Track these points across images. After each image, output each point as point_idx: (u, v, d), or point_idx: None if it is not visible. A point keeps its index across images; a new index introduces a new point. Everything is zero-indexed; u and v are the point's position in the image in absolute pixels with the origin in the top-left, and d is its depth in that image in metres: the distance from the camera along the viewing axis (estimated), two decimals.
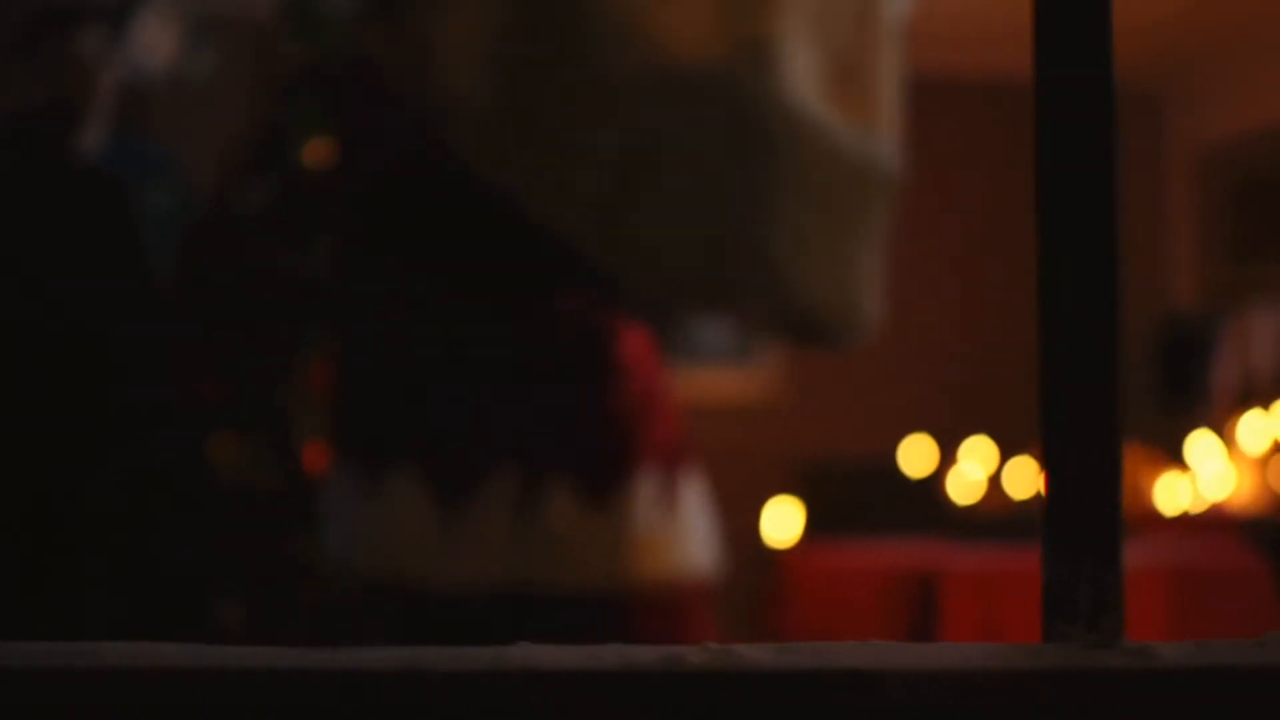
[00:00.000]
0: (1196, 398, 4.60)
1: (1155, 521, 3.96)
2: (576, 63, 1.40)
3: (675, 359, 1.91)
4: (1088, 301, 0.53)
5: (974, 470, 4.24)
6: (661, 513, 1.52)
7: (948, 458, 4.32)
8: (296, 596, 2.71)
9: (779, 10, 1.45)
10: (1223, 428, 4.31)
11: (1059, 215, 0.54)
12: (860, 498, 4.15)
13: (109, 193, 2.98)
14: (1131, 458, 4.44)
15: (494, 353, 1.55)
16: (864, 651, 0.50)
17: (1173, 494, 4.16)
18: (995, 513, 3.96)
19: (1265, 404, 4.23)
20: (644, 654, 0.49)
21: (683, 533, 1.54)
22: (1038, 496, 3.33)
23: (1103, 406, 0.53)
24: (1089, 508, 0.53)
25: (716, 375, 4.85)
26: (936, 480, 4.27)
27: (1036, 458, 4.42)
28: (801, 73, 1.44)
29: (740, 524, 3.40)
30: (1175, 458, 4.33)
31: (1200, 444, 4.25)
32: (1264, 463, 4.08)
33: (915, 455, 4.35)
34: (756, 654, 0.49)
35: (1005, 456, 4.38)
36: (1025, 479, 4.34)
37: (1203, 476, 4.15)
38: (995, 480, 4.24)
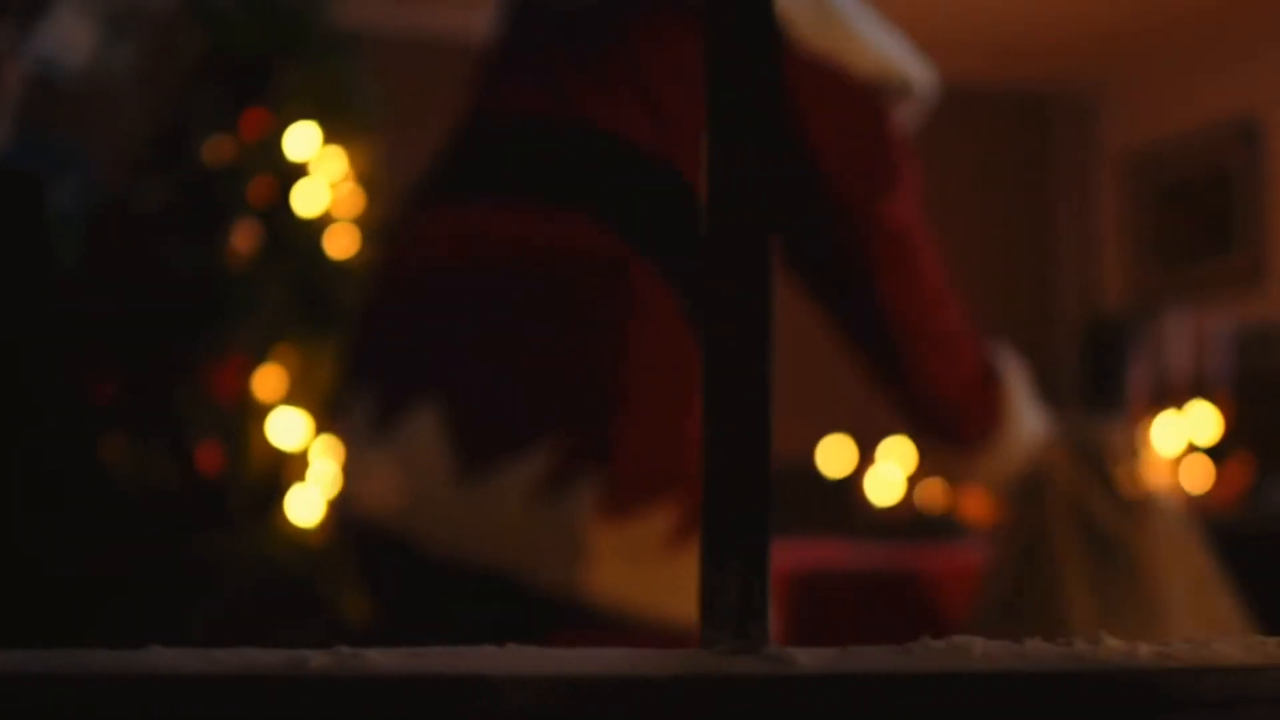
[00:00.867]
0: (1115, 399, 4.62)
1: None
2: None
3: None
4: (743, 296, 0.52)
5: (892, 470, 4.25)
6: (674, 550, 1.42)
7: (866, 458, 4.33)
8: (193, 597, 2.69)
9: None
10: (1137, 429, 4.33)
11: (718, 223, 0.53)
12: (779, 498, 4.14)
13: (19, 189, 2.95)
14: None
15: (546, 303, 1.43)
16: (495, 656, 0.50)
17: None
18: (906, 513, 3.97)
19: (1179, 405, 4.26)
20: (266, 656, 0.49)
21: (687, 577, 1.44)
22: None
23: (754, 412, 0.53)
24: (739, 513, 0.52)
25: None
26: (855, 480, 4.28)
27: None
28: None
29: None
30: None
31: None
32: (1176, 464, 4.11)
33: (833, 456, 4.36)
34: (382, 658, 0.49)
35: (923, 456, 4.40)
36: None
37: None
38: (914, 480, 4.25)
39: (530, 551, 1.38)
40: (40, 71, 3.21)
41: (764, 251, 0.53)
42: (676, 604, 1.40)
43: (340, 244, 2.97)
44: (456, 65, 2.36)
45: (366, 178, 3.05)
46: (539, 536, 1.37)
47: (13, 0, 3.13)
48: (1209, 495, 4.00)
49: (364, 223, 3.01)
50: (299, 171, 2.96)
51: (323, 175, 2.97)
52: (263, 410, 2.78)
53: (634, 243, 1.43)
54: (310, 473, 2.79)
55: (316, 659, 0.49)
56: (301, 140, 2.96)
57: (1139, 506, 1.69)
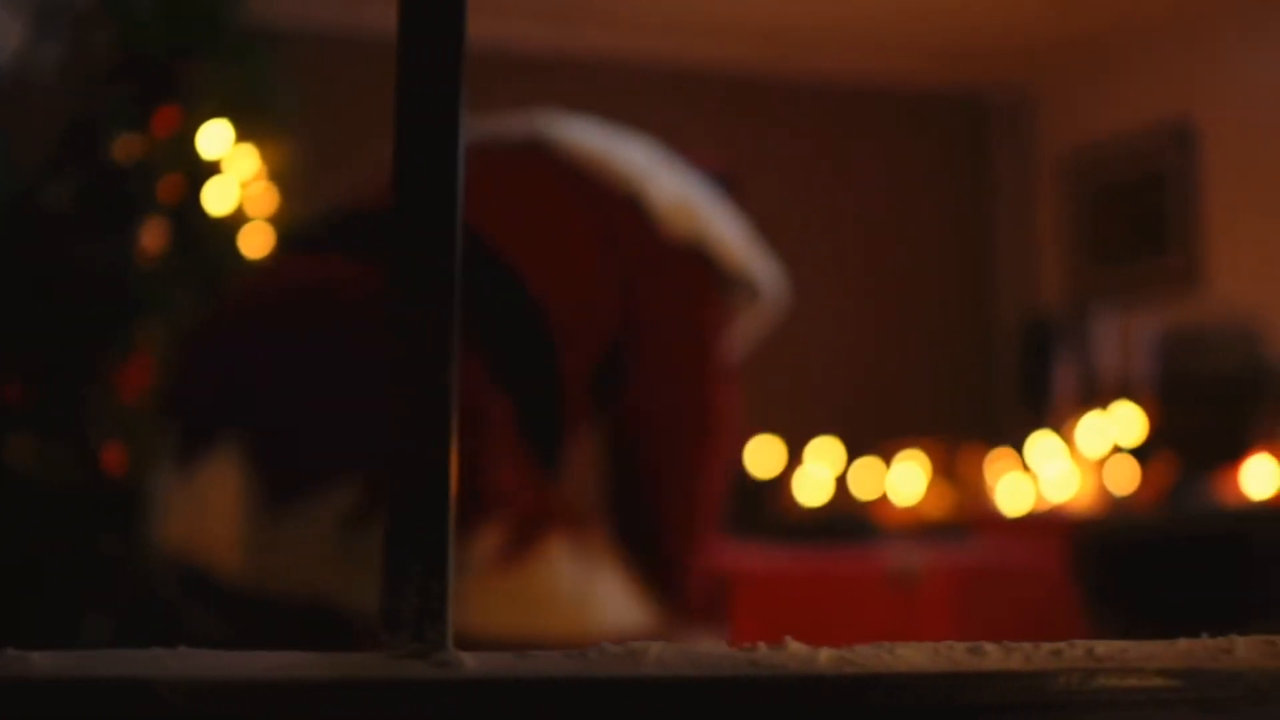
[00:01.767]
0: (1045, 399, 4.65)
1: (992, 522, 4.01)
2: None
3: None
4: (426, 291, 0.52)
5: (820, 471, 4.26)
6: (515, 568, 1.48)
7: (795, 458, 4.34)
8: (96, 595, 2.67)
9: None
10: (1065, 429, 4.36)
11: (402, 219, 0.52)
12: None
13: None
14: (973, 458, 4.48)
15: (352, 345, 1.50)
16: (162, 659, 0.49)
17: (1014, 495, 4.20)
18: (836, 513, 3.99)
19: (1105, 406, 4.29)
20: None
21: (537, 596, 1.50)
22: (884, 498, 3.35)
23: (437, 414, 0.52)
24: (419, 518, 0.52)
25: None
26: (783, 481, 4.28)
27: (884, 458, 4.46)
28: None
29: None
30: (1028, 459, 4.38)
31: (1042, 445, 4.29)
32: (1100, 465, 4.13)
33: (762, 456, 4.36)
34: (43, 661, 0.48)
35: (852, 457, 4.42)
36: (873, 480, 4.37)
37: (1043, 478, 4.20)
38: (842, 481, 4.27)
39: (347, 580, 1.41)
40: None
41: (448, 275, 0.52)
42: (510, 621, 1.44)
43: (252, 243, 2.95)
44: (375, 63, 2.35)
45: (280, 176, 3.03)
46: (354, 565, 1.40)
47: None
48: (1133, 496, 4.02)
49: (277, 222, 2.99)
50: (211, 170, 2.93)
51: (235, 174, 2.95)
52: None
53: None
54: None
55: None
56: (214, 138, 2.93)
57: None
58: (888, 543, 3.18)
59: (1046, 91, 6.03)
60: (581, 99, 2.44)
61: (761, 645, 0.52)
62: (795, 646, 0.51)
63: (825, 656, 0.51)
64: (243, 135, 2.98)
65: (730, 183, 1.89)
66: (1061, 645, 0.53)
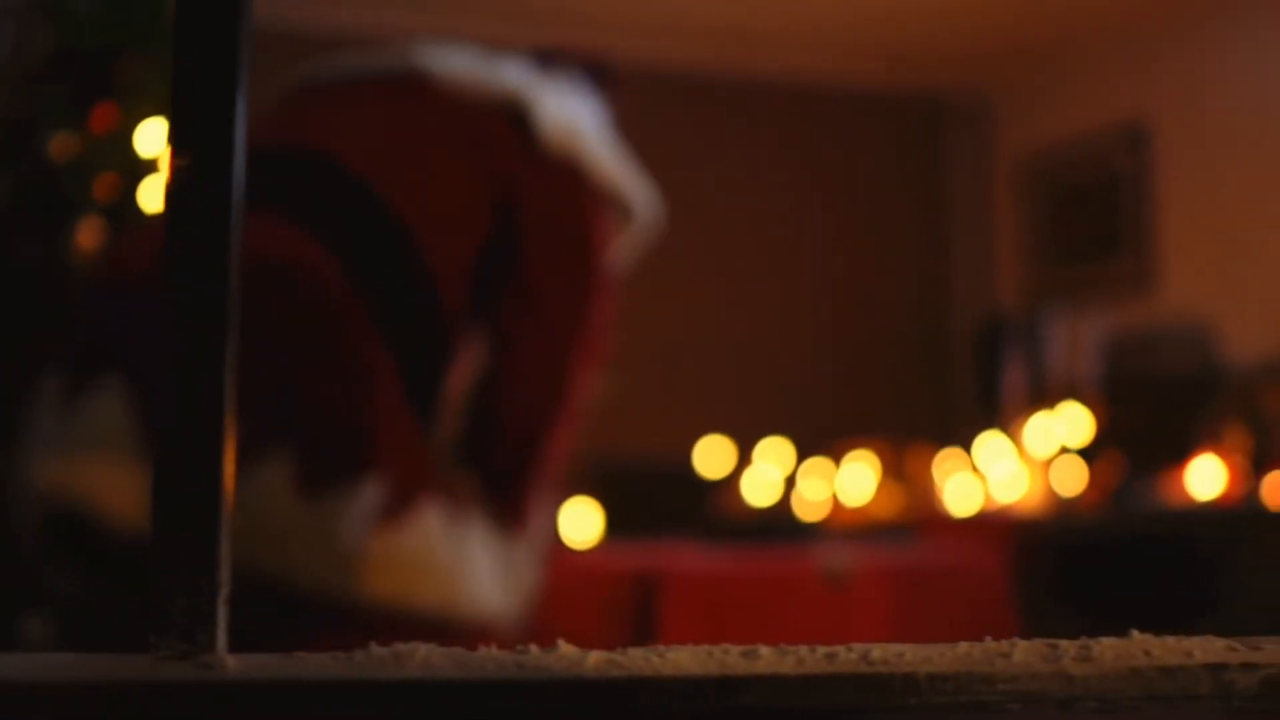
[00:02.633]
0: (997, 400, 4.66)
1: (940, 523, 4.01)
2: None
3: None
4: (201, 291, 0.52)
5: (769, 471, 4.26)
6: (392, 529, 1.48)
7: (744, 458, 4.34)
8: (32, 597, 2.65)
9: None
10: (1014, 430, 4.37)
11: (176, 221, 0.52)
12: (654, 499, 4.14)
13: None
14: (922, 458, 4.49)
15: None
16: None
17: (962, 495, 4.21)
18: (779, 514, 3.99)
19: (1053, 406, 4.30)
20: None
21: (412, 562, 1.49)
22: (834, 499, 3.35)
23: (210, 416, 0.52)
24: (190, 519, 0.51)
25: None
26: (732, 481, 4.28)
27: (834, 458, 4.47)
28: None
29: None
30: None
31: (991, 446, 4.31)
32: (1048, 465, 4.15)
33: (711, 456, 4.36)
34: None
35: (803, 457, 4.42)
36: (822, 480, 4.38)
37: (992, 478, 4.21)
38: (792, 481, 4.27)
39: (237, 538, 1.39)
40: None
41: (222, 276, 0.52)
42: (383, 585, 1.44)
43: None
44: (316, 58, 2.33)
45: None
46: (239, 521, 1.39)
47: None
48: (1079, 496, 4.03)
49: None
50: (149, 167, 2.91)
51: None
52: None
53: (333, 251, 1.50)
54: None
55: None
56: (152, 136, 2.92)
57: None
58: (822, 543, 3.19)
59: (1003, 94, 6.05)
60: None
61: (533, 647, 0.51)
62: (566, 649, 0.51)
63: (594, 659, 0.50)
64: None
65: (602, 74, 1.94)
66: (838, 649, 0.53)
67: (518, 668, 0.50)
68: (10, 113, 2.96)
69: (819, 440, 4.59)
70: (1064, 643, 0.54)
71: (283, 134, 1.69)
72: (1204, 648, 0.55)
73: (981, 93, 6.09)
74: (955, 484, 4.24)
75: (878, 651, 0.52)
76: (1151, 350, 4.51)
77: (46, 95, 2.91)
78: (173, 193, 0.52)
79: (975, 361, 5.27)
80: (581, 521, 4.29)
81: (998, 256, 6.09)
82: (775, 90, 5.78)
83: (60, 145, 2.88)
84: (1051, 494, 4.06)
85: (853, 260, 5.84)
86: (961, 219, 6.17)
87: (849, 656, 0.52)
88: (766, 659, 0.52)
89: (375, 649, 0.51)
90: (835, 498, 4.27)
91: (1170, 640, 0.55)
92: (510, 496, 1.69)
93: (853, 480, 4.34)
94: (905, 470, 4.46)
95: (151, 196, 2.91)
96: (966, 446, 4.41)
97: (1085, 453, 4.13)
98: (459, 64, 1.74)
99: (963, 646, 0.54)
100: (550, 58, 1.85)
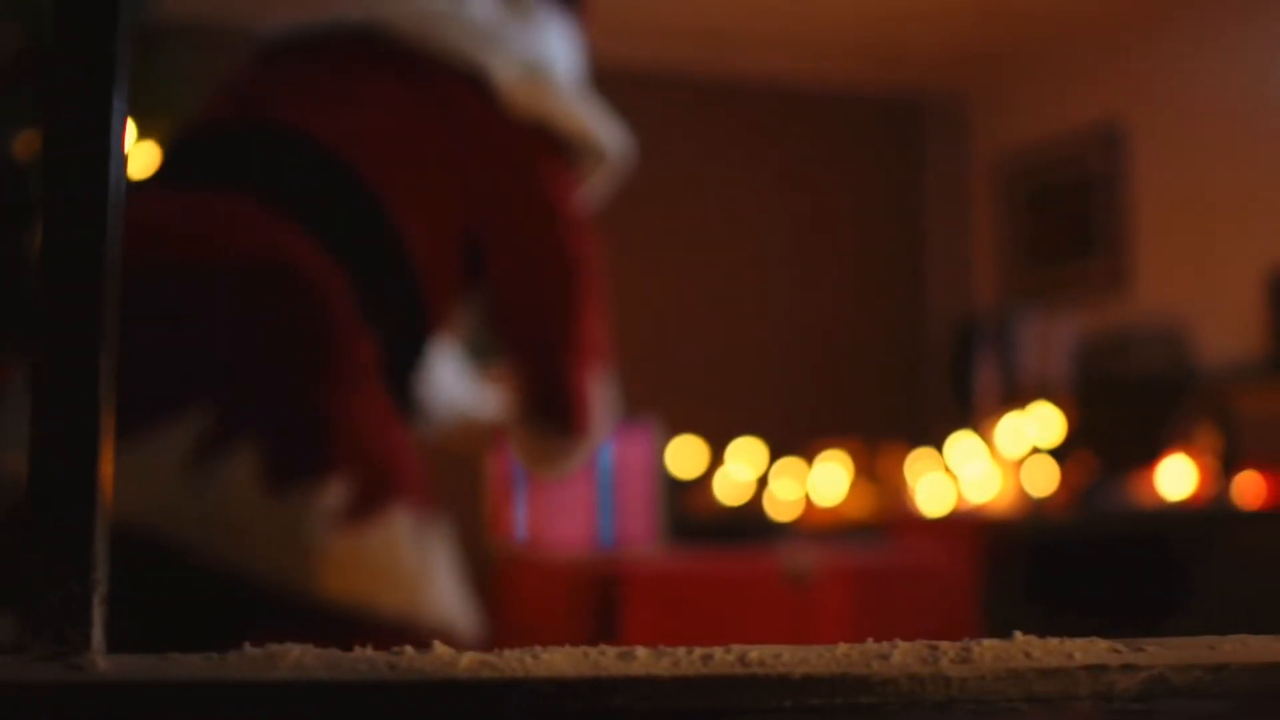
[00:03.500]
0: (970, 399, 4.67)
1: (912, 523, 4.02)
2: None
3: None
4: (72, 303, 0.51)
5: (741, 471, 4.26)
6: (356, 531, 1.46)
7: (717, 459, 4.34)
8: None
9: None
10: (986, 430, 4.38)
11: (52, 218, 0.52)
12: None
13: None
14: (894, 458, 4.50)
15: (181, 278, 1.47)
16: None
17: (934, 495, 4.22)
18: (748, 514, 3.99)
19: (1024, 406, 4.31)
20: None
21: (376, 564, 1.48)
22: (807, 498, 3.35)
23: (85, 408, 0.51)
24: (64, 515, 0.51)
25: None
26: (704, 481, 4.28)
27: (806, 458, 4.47)
28: None
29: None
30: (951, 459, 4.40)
31: (963, 446, 4.31)
32: (1019, 465, 4.16)
33: (683, 456, 4.36)
34: None
35: (774, 457, 4.42)
36: (794, 480, 4.38)
37: (964, 478, 4.22)
38: (764, 481, 4.27)
39: (187, 520, 1.38)
40: None
41: (97, 269, 0.52)
42: (345, 585, 1.42)
43: None
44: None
45: None
46: (194, 505, 1.37)
47: None
48: (1050, 497, 4.04)
49: None
50: None
51: (137, 171, 2.92)
52: None
53: (316, 240, 1.47)
54: None
55: None
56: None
57: None
58: (785, 543, 3.19)
59: (979, 94, 6.07)
60: None
61: (408, 649, 0.51)
62: (440, 650, 0.51)
63: (467, 660, 0.50)
64: (145, 133, 2.95)
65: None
66: (715, 650, 0.53)
67: (389, 669, 0.50)
68: None
69: (792, 440, 4.59)
70: (944, 644, 0.54)
71: (249, 108, 1.67)
72: (1086, 649, 0.55)
73: (957, 94, 6.11)
74: (927, 484, 4.24)
75: (755, 653, 0.52)
76: (1124, 351, 4.52)
77: (11, 93, 2.90)
78: (49, 187, 0.52)
79: (949, 362, 5.28)
80: None
81: (973, 257, 6.10)
82: (750, 91, 5.79)
83: (24, 144, 2.87)
84: (1023, 494, 4.07)
85: (827, 260, 5.85)
86: (937, 219, 6.18)
87: (725, 658, 0.52)
88: (642, 660, 0.52)
89: (248, 649, 0.51)
90: (808, 497, 4.27)
91: (1052, 641, 0.56)
92: (564, 395, 1.72)
93: (825, 480, 4.35)
94: (877, 470, 4.47)
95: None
96: (939, 447, 4.42)
97: (1057, 453, 4.14)
98: (417, 14, 1.70)
99: (842, 648, 0.54)
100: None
